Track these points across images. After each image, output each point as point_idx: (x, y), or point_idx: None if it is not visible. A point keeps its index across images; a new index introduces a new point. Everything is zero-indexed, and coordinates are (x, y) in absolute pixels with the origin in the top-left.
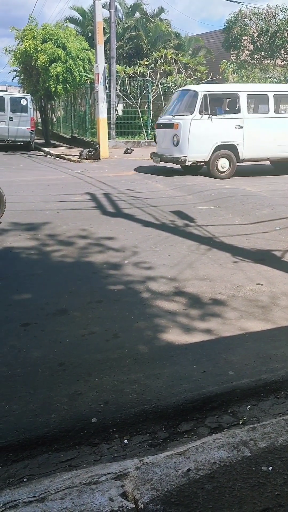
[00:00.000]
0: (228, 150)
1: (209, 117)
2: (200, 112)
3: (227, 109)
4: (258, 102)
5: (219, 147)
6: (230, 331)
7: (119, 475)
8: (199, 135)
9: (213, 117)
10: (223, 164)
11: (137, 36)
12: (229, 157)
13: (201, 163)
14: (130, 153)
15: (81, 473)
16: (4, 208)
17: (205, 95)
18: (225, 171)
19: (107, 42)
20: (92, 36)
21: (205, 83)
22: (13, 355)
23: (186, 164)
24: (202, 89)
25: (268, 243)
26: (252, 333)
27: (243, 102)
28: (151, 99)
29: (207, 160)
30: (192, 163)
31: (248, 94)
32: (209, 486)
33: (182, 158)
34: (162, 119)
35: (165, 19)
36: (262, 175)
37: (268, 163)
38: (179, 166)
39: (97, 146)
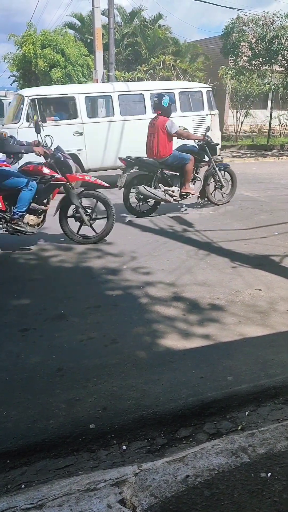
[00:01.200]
0: None
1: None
2: (28, 119)
3: (70, 113)
4: (101, 104)
5: None
6: (228, 337)
7: (118, 482)
8: None
9: (44, 124)
10: None
11: (135, 42)
12: None
13: None
14: None
15: (79, 479)
16: (234, 192)
17: (32, 99)
18: None
19: (106, 48)
20: (91, 42)
21: None
22: (11, 361)
23: None
24: (29, 93)
25: (267, 248)
26: (251, 339)
27: (81, 105)
28: None
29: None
30: None
31: (86, 96)
32: (208, 493)
33: None
34: None
35: (164, 26)
36: None
37: None
38: None
39: None
